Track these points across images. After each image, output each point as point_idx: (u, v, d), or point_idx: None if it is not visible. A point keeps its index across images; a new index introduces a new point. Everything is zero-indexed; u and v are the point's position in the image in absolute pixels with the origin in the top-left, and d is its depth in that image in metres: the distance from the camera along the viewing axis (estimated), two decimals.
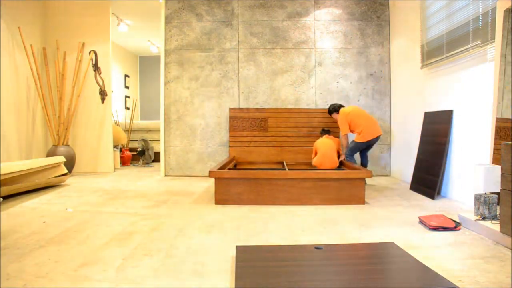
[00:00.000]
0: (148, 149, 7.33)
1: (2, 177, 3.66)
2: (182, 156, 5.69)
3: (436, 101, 4.28)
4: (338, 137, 5.15)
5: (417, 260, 1.98)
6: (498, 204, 2.71)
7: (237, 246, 2.23)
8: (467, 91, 3.67)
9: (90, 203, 3.71)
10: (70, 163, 5.45)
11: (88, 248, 2.34)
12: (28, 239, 2.52)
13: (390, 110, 5.67)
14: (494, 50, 3.14)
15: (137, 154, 7.27)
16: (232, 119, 5.53)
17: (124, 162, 7.14)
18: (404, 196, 4.08)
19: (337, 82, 5.67)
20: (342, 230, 2.77)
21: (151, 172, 6.21)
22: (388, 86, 5.67)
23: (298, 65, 5.68)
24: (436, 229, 2.73)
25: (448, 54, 3.87)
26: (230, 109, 5.59)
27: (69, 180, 5.09)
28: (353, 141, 4.79)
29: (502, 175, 2.40)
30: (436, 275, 1.79)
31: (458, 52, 3.69)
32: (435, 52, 4.17)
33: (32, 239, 2.52)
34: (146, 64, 10.08)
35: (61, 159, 4.68)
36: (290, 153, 5.55)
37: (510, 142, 2.36)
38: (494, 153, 3.07)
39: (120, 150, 7.10)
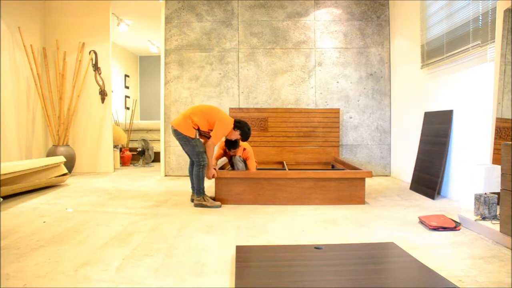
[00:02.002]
0: (148, 149, 7.33)
1: (2, 177, 3.66)
2: (182, 156, 5.69)
3: (436, 101, 4.28)
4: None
5: (417, 260, 1.98)
6: (498, 204, 2.71)
7: (237, 246, 2.23)
8: (467, 91, 3.67)
9: (90, 203, 3.71)
10: (70, 163, 5.45)
11: (88, 248, 2.34)
12: (28, 239, 2.52)
13: (390, 110, 5.67)
14: (494, 50, 3.14)
15: (137, 154, 7.27)
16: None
17: (124, 162, 7.13)
18: (404, 196, 4.08)
19: (337, 82, 5.67)
20: (342, 230, 2.77)
21: (151, 172, 6.21)
22: (388, 86, 5.67)
23: (298, 65, 5.68)
24: (436, 229, 2.73)
25: (448, 54, 3.87)
26: (230, 109, 5.59)
27: (69, 180, 5.09)
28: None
29: (502, 175, 2.40)
30: (436, 275, 1.79)
31: (458, 52, 3.69)
32: (435, 52, 4.17)
33: (32, 239, 2.52)
34: (146, 64, 10.08)
35: (61, 159, 4.68)
36: (290, 153, 5.55)
37: (510, 142, 2.36)
38: (494, 153, 3.07)
39: (120, 150, 7.10)
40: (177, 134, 3.57)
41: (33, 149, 5.68)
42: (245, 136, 3.70)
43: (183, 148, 3.68)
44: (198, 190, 3.60)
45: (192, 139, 3.55)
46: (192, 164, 3.77)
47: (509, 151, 2.33)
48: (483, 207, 2.71)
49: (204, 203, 3.56)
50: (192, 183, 3.75)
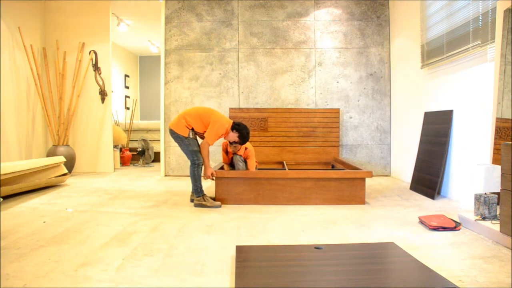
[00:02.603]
0: (148, 149, 7.33)
1: (2, 177, 3.66)
2: (182, 156, 5.69)
3: (436, 101, 4.28)
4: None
5: (417, 260, 1.98)
6: (498, 204, 2.71)
7: (237, 246, 2.23)
8: (467, 91, 3.67)
9: (90, 203, 3.71)
10: (70, 163, 5.44)
11: (88, 248, 2.34)
12: (28, 239, 2.52)
13: (390, 110, 5.67)
14: (494, 50, 3.14)
15: (137, 154, 7.27)
16: (232, 119, 5.53)
17: (124, 162, 7.13)
18: (404, 196, 4.08)
19: (337, 82, 5.67)
20: (342, 230, 2.77)
21: (151, 172, 6.21)
22: (388, 86, 5.67)
23: (298, 65, 5.68)
24: (436, 229, 2.73)
25: (448, 54, 3.87)
26: (230, 109, 5.59)
27: (69, 180, 5.09)
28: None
29: (502, 175, 2.40)
30: (436, 275, 1.79)
31: (458, 52, 3.69)
32: (435, 52, 4.17)
33: (32, 239, 2.52)
34: (146, 64, 10.08)
35: (61, 159, 4.68)
36: (290, 153, 5.55)
37: (510, 142, 2.36)
38: (494, 153, 3.07)
39: (120, 150, 7.10)
40: (172, 133, 3.62)
41: (33, 149, 5.68)
42: (243, 140, 3.70)
43: (180, 148, 3.70)
44: (195, 189, 3.59)
45: (185, 137, 3.57)
46: None
47: (509, 151, 2.33)
48: (483, 207, 2.71)
49: (204, 203, 3.54)
50: None
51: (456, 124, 3.85)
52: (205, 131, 3.61)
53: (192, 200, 3.73)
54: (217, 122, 3.58)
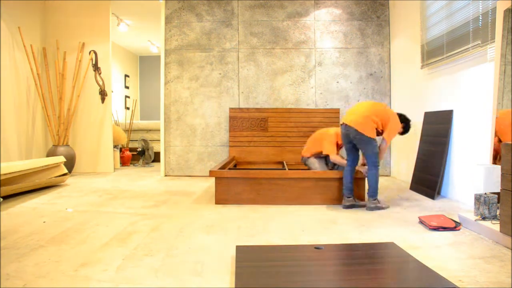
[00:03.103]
0: (148, 149, 7.33)
1: (2, 177, 3.66)
2: (182, 156, 5.69)
3: (436, 101, 4.28)
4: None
5: (417, 260, 1.98)
6: (498, 204, 2.71)
7: (237, 246, 2.23)
8: (467, 91, 3.67)
9: (90, 203, 3.71)
10: (70, 163, 5.44)
11: (88, 248, 2.34)
12: (28, 239, 2.52)
13: None
14: (494, 50, 3.14)
15: (137, 154, 7.27)
16: (232, 119, 5.53)
17: (124, 162, 7.14)
18: (404, 196, 4.08)
19: (337, 82, 5.67)
20: (342, 230, 2.77)
21: (151, 172, 6.21)
22: (388, 86, 5.67)
23: (298, 65, 5.68)
24: (436, 229, 2.73)
25: (448, 54, 3.87)
26: (230, 109, 5.59)
27: (69, 180, 5.09)
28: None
29: (502, 175, 2.40)
30: (436, 275, 1.79)
31: (458, 52, 3.69)
32: (435, 52, 4.17)
33: (32, 239, 2.52)
34: (146, 64, 10.09)
35: (61, 159, 4.68)
36: (290, 153, 5.55)
37: (510, 142, 2.36)
38: (494, 153, 3.06)
39: (120, 150, 7.10)
40: (357, 134, 3.42)
41: (33, 149, 5.68)
42: (407, 129, 3.72)
43: (362, 147, 3.50)
44: (374, 192, 3.42)
45: (373, 139, 3.44)
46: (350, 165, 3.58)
47: (509, 151, 2.33)
48: (483, 207, 2.71)
49: (379, 205, 3.42)
50: (348, 185, 3.52)
51: (456, 124, 3.85)
52: (382, 130, 3.49)
53: (346, 206, 3.50)
54: (395, 117, 3.53)
